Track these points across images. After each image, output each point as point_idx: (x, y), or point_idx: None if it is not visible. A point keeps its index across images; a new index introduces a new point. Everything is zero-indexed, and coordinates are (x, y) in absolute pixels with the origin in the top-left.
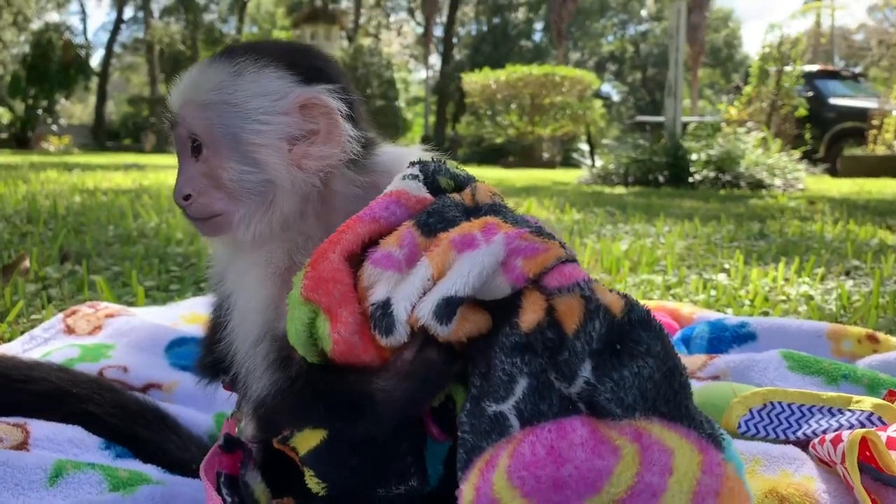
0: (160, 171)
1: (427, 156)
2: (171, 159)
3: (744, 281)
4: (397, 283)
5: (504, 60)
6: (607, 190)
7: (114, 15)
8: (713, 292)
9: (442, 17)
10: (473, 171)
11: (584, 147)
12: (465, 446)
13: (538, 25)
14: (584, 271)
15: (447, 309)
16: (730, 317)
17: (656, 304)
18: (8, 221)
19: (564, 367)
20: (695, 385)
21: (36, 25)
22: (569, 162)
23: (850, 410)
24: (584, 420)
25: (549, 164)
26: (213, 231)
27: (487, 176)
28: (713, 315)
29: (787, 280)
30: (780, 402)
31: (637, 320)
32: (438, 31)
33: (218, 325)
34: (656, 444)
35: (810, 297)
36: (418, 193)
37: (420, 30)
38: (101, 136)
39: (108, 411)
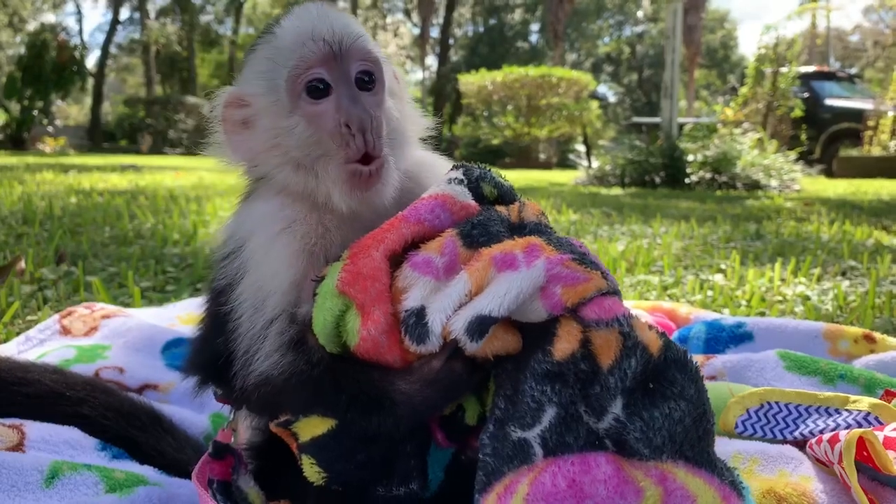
0: (156, 172)
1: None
2: (167, 160)
3: (740, 281)
4: (433, 290)
5: (500, 62)
6: (604, 191)
7: (110, 16)
8: (710, 293)
9: (438, 19)
10: None
11: (581, 148)
12: (485, 469)
13: (534, 27)
14: (624, 306)
15: (480, 327)
16: (726, 317)
17: (653, 305)
18: (3, 223)
19: (595, 401)
20: None
21: (32, 26)
22: (565, 163)
23: (847, 410)
24: (609, 457)
25: (546, 166)
26: (376, 178)
27: None
28: (710, 315)
29: (783, 280)
30: (777, 402)
31: (673, 360)
32: (435, 33)
33: (216, 315)
34: (680, 489)
35: (807, 298)
36: (463, 199)
37: (416, 31)
38: (97, 137)
39: (103, 413)
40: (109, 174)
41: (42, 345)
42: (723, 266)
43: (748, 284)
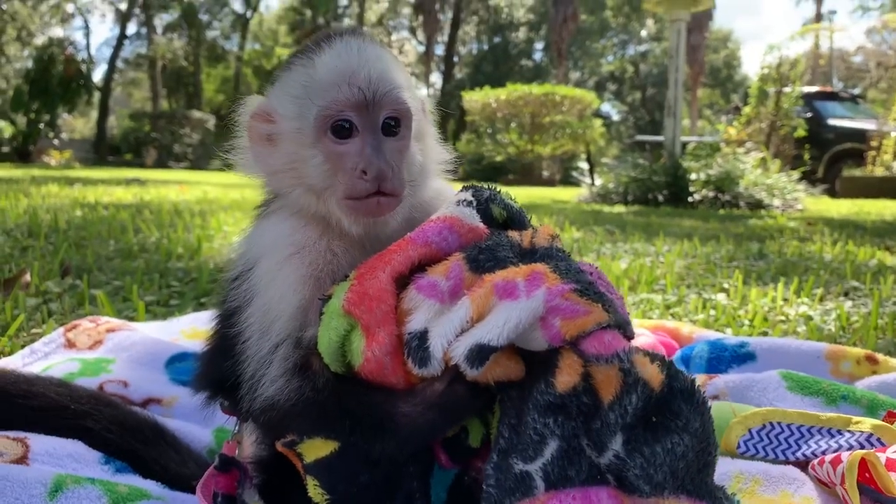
0: (161, 186)
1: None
2: (171, 174)
3: (743, 301)
4: (437, 314)
5: (504, 79)
6: (607, 209)
7: (117, 31)
8: (712, 312)
9: (443, 36)
10: None
11: (584, 165)
12: (488, 500)
13: (539, 45)
14: (624, 340)
15: (479, 354)
16: (729, 337)
17: (655, 324)
18: (9, 235)
19: (596, 436)
20: None
21: (40, 40)
22: (569, 180)
23: (849, 431)
24: (611, 492)
25: (549, 183)
26: (381, 210)
27: None
28: (713, 335)
29: (786, 300)
30: (779, 423)
31: (680, 390)
32: (440, 50)
33: (225, 336)
34: None
35: (809, 318)
36: (471, 222)
37: (421, 48)
38: (103, 150)
39: (107, 427)
40: (114, 188)
41: (47, 358)
42: (725, 285)
43: (751, 304)
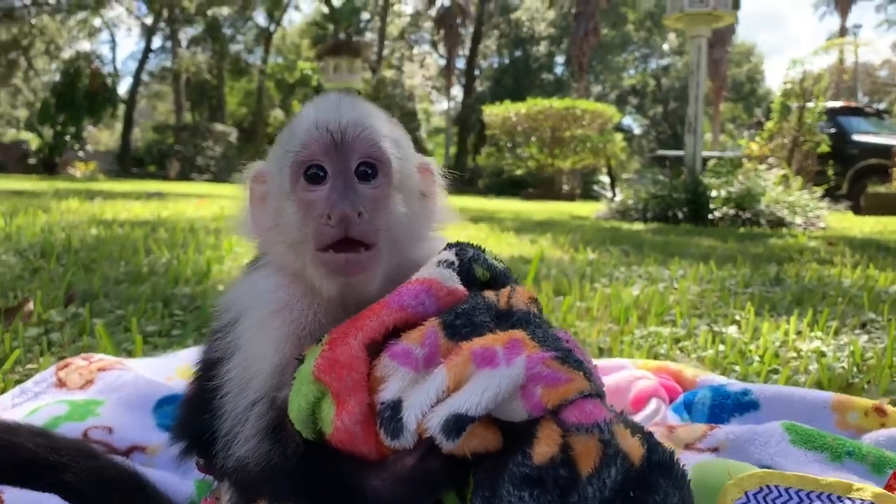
0: (180, 199)
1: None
2: (193, 187)
3: (754, 334)
4: (411, 382)
5: (525, 93)
6: (625, 226)
7: (142, 44)
8: (721, 347)
9: (464, 50)
10: (493, 202)
11: (605, 179)
12: None
13: (560, 59)
14: (606, 410)
15: (456, 425)
16: (733, 382)
17: (659, 366)
18: (21, 256)
19: None
20: (691, 460)
21: (67, 54)
22: (589, 194)
23: (849, 499)
24: None
25: (569, 197)
26: (354, 268)
27: (506, 208)
28: (717, 379)
29: (799, 334)
30: (777, 486)
31: (658, 463)
32: (461, 64)
33: (205, 388)
34: None
35: (822, 354)
36: (450, 284)
37: (443, 62)
38: (127, 162)
39: (85, 480)
40: (133, 202)
41: (36, 398)
42: (738, 317)
43: (762, 338)
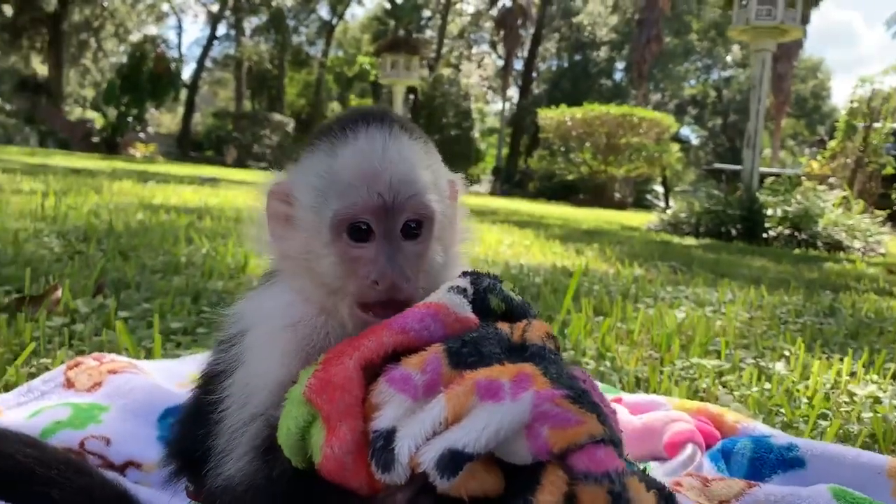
0: (233, 186)
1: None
2: (248, 174)
3: (804, 373)
4: (407, 411)
5: (582, 98)
6: (676, 240)
7: (208, 31)
8: (767, 385)
9: (523, 52)
10: (542, 207)
11: (659, 189)
12: None
13: (620, 65)
14: (619, 460)
15: (451, 462)
16: (777, 434)
17: (699, 407)
18: (64, 238)
19: None
20: None
21: (135, 37)
22: (642, 203)
23: None
24: None
25: (621, 205)
26: (388, 316)
27: (555, 213)
28: (759, 428)
29: (852, 375)
30: None
31: None
32: (519, 65)
33: (203, 401)
34: None
35: (877, 400)
36: (460, 311)
37: (501, 62)
38: (186, 146)
39: (72, 498)
40: (186, 187)
41: (42, 398)
42: (787, 352)
43: (812, 378)
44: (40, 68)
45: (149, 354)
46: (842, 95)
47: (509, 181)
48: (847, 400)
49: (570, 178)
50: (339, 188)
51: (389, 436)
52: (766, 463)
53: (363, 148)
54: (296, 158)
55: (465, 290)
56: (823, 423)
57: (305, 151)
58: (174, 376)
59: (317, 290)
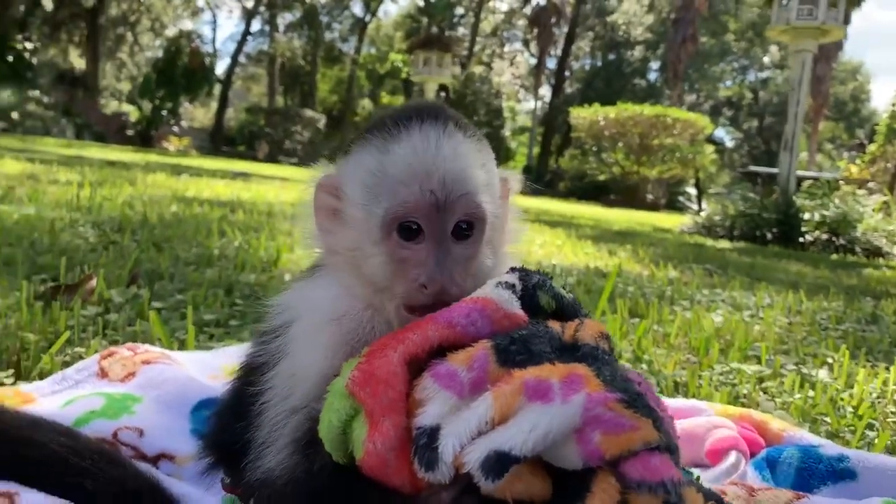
0: (264, 182)
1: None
2: (279, 169)
3: (848, 381)
4: (453, 409)
5: (615, 97)
6: (710, 243)
7: (242, 27)
8: (811, 393)
9: (556, 50)
10: (573, 206)
11: (692, 191)
12: None
13: (654, 65)
14: (675, 468)
15: (497, 464)
16: (826, 444)
17: (742, 413)
18: (99, 228)
19: None
20: None
21: (171, 32)
22: (674, 205)
23: None
24: None
25: (653, 206)
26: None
27: (586, 213)
28: (807, 437)
29: None
30: None
31: None
32: (552, 64)
33: (243, 393)
34: None
35: None
36: (508, 307)
37: (533, 61)
38: (219, 140)
39: (104, 489)
40: (218, 181)
41: (76, 387)
42: (829, 359)
43: (857, 386)
44: (78, 62)
45: (182, 346)
46: (883, 99)
47: (540, 180)
48: (894, 410)
49: (601, 178)
50: (391, 186)
51: (433, 433)
52: (814, 473)
53: (416, 145)
54: (346, 152)
55: (513, 285)
56: (870, 433)
57: (356, 146)
58: (207, 368)
59: (363, 287)
